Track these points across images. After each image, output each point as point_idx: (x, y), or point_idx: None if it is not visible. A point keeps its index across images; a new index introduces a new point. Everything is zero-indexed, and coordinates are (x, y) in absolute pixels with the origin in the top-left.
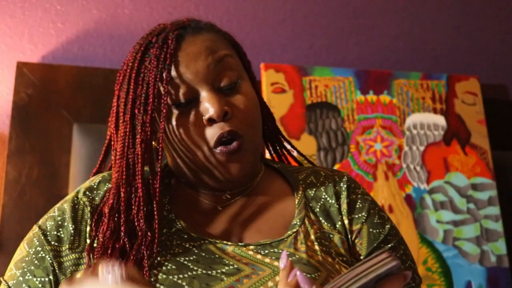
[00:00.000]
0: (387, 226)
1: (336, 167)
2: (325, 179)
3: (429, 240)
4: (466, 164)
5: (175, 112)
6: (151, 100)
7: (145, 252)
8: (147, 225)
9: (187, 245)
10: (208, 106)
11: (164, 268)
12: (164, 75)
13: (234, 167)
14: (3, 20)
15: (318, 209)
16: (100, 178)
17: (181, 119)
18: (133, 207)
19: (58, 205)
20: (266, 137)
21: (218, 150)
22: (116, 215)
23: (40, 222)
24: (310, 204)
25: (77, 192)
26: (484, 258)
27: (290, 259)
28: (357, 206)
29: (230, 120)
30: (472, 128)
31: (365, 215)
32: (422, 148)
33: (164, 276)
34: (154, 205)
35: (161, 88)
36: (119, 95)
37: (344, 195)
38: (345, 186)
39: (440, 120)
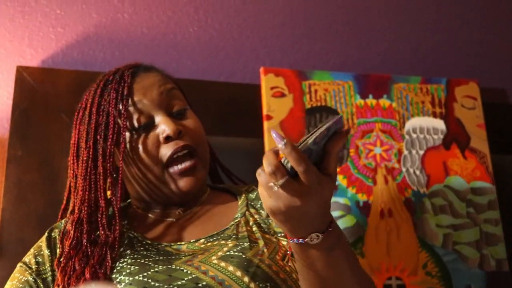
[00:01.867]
0: None
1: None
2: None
3: (428, 244)
4: (465, 168)
5: (134, 136)
6: (111, 126)
7: (107, 250)
8: (109, 229)
9: (145, 251)
10: (164, 127)
11: (128, 271)
12: (122, 104)
13: (187, 183)
14: (3, 24)
15: (259, 206)
16: (64, 220)
17: (138, 142)
18: (97, 215)
19: (33, 247)
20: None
21: (171, 169)
22: (79, 227)
23: (21, 261)
24: (252, 203)
25: (48, 231)
26: (484, 262)
27: (233, 237)
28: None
29: (183, 138)
30: (472, 132)
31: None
32: (421, 152)
33: (129, 278)
34: (116, 210)
35: (120, 119)
36: (79, 129)
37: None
38: None
39: (440, 124)
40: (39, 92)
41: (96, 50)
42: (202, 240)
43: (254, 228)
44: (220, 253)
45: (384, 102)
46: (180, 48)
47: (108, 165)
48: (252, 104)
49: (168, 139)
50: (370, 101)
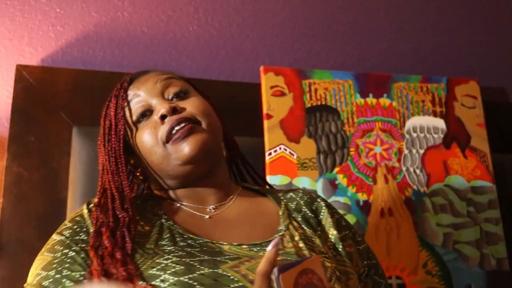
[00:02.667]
0: (352, 229)
1: (336, 170)
2: (303, 195)
3: (429, 243)
4: (466, 167)
5: (137, 130)
6: (113, 129)
7: (125, 231)
8: (124, 210)
9: (189, 247)
10: (159, 108)
11: (173, 269)
12: (121, 105)
13: (189, 144)
14: (3, 23)
15: (300, 219)
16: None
17: (142, 131)
18: (115, 201)
19: (68, 219)
20: (230, 160)
21: (171, 142)
22: (105, 210)
23: (58, 231)
24: (293, 215)
25: (87, 204)
26: (484, 261)
27: (280, 252)
28: (343, 224)
29: (179, 114)
30: (472, 131)
31: (334, 222)
32: (422, 151)
33: (174, 277)
34: (127, 193)
35: (119, 119)
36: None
37: (325, 212)
38: (323, 204)
39: (440, 123)
40: (39, 91)
41: (96, 49)
42: (245, 246)
43: (301, 244)
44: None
45: (384, 101)
46: (180, 47)
47: (127, 166)
48: (252, 103)
49: (163, 118)
50: (370, 100)
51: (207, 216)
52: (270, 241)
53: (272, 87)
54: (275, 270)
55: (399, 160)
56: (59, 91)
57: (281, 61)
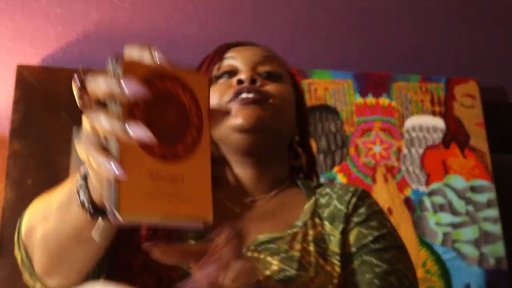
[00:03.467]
0: (383, 230)
1: (335, 169)
2: (340, 190)
3: (428, 242)
4: (465, 167)
5: (217, 83)
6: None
7: None
8: None
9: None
10: (242, 74)
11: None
12: (217, 57)
13: (241, 115)
14: (4, 23)
15: (325, 214)
16: None
17: (216, 85)
18: None
19: None
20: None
21: (233, 101)
22: None
23: None
24: (319, 210)
25: None
26: (483, 260)
27: (283, 255)
28: (359, 211)
29: (255, 85)
30: (471, 131)
31: (363, 218)
32: (421, 151)
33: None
34: None
35: (211, 69)
36: None
37: (353, 201)
38: (357, 195)
39: (439, 122)
40: (39, 91)
41: (96, 49)
42: (252, 247)
43: (311, 248)
44: (260, 276)
45: (384, 100)
46: (180, 47)
47: None
48: None
49: (240, 82)
50: (370, 99)
51: (237, 210)
52: (278, 238)
53: None
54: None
55: (398, 160)
56: (60, 91)
57: None
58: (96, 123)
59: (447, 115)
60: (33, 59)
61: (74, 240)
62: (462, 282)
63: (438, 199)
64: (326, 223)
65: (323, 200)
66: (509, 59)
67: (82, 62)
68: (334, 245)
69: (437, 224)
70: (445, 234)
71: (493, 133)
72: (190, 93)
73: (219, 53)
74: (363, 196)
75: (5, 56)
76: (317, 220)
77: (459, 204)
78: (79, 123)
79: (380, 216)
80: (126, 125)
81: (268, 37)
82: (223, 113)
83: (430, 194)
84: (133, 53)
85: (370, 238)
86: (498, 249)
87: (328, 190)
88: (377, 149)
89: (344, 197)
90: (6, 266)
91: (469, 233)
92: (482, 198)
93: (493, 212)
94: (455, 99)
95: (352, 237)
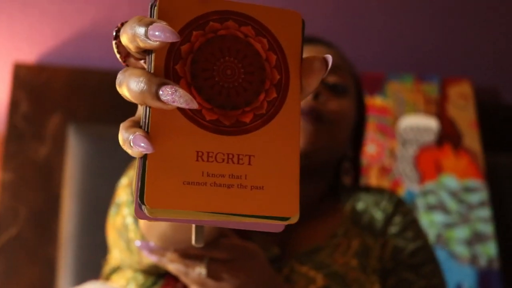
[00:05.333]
0: (418, 242)
1: None
2: (374, 195)
3: None
4: (458, 167)
5: None
6: None
7: None
8: None
9: None
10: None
11: None
12: None
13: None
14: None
15: (363, 222)
16: None
17: None
18: None
19: None
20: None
21: None
22: None
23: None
24: (357, 218)
25: None
26: (475, 260)
27: (327, 270)
28: (395, 220)
29: (318, 105)
30: (464, 131)
31: (399, 229)
32: (414, 151)
33: None
34: None
35: None
36: None
37: (388, 209)
38: (392, 202)
39: (433, 122)
40: (35, 89)
41: (92, 47)
42: (294, 259)
43: (354, 262)
44: None
45: (378, 100)
46: None
47: None
48: None
49: None
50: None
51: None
52: (320, 249)
53: None
54: None
55: (391, 159)
56: (56, 88)
57: None
58: (124, 85)
59: (441, 115)
60: (30, 56)
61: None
62: (453, 282)
63: (431, 199)
64: (366, 234)
65: (359, 206)
66: (503, 59)
67: (79, 60)
68: (374, 260)
69: (430, 223)
70: (438, 234)
71: (486, 133)
72: (269, 36)
73: None
74: (398, 204)
75: (1, 53)
76: (357, 230)
77: (451, 204)
78: (75, 120)
79: (415, 226)
80: (156, 85)
81: None
82: (323, 64)
83: (423, 194)
84: None
85: (407, 252)
86: (490, 249)
87: (363, 194)
88: (371, 148)
89: (380, 204)
90: (1, 263)
91: (462, 233)
92: (474, 198)
93: (486, 212)
94: (449, 99)
95: (388, 251)
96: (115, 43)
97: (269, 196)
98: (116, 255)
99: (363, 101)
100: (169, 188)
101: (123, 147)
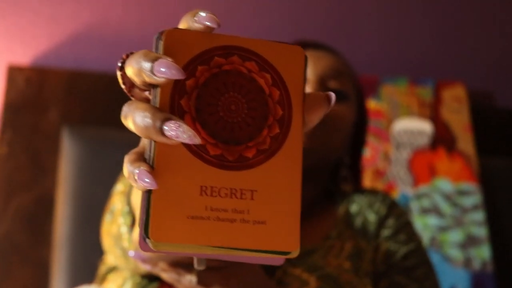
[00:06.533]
0: (411, 245)
1: None
2: (368, 196)
3: None
4: (452, 170)
5: None
6: None
7: None
8: None
9: None
10: (307, 85)
11: None
12: None
13: None
14: None
15: (357, 225)
16: None
17: None
18: None
19: None
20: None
21: None
22: None
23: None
24: (351, 220)
25: None
26: (469, 263)
27: (320, 272)
28: (388, 223)
29: None
30: (459, 134)
31: (391, 232)
32: (408, 154)
33: None
34: None
35: None
36: None
37: (382, 211)
38: (385, 204)
39: (427, 126)
40: (30, 91)
41: (87, 49)
42: (286, 262)
43: (347, 264)
44: None
45: (372, 103)
46: None
47: None
48: None
49: None
50: None
51: None
52: (313, 251)
53: None
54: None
55: (385, 163)
56: (50, 90)
57: None
58: (129, 119)
59: (435, 118)
60: (24, 58)
61: None
62: (447, 285)
63: (425, 202)
64: (359, 236)
65: (353, 208)
66: (497, 63)
67: (73, 62)
68: (367, 263)
69: (424, 227)
70: (432, 237)
71: (480, 136)
72: (272, 71)
73: None
74: (392, 206)
75: None
76: (350, 232)
77: (445, 207)
78: (69, 122)
79: (408, 229)
80: (160, 121)
81: (262, 38)
82: (325, 100)
83: (417, 197)
84: (188, 21)
85: (399, 255)
86: (484, 252)
87: (356, 196)
88: (365, 152)
89: (373, 206)
90: None
91: (455, 236)
92: (468, 201)
93: (480, 215)
94: (443, 102)
95: (381, 254)
96: (120, 74)
97: (271, 231)
98: (111, 260)
99: (364, 109)
100: (173, 222)
101: (128, 179)
